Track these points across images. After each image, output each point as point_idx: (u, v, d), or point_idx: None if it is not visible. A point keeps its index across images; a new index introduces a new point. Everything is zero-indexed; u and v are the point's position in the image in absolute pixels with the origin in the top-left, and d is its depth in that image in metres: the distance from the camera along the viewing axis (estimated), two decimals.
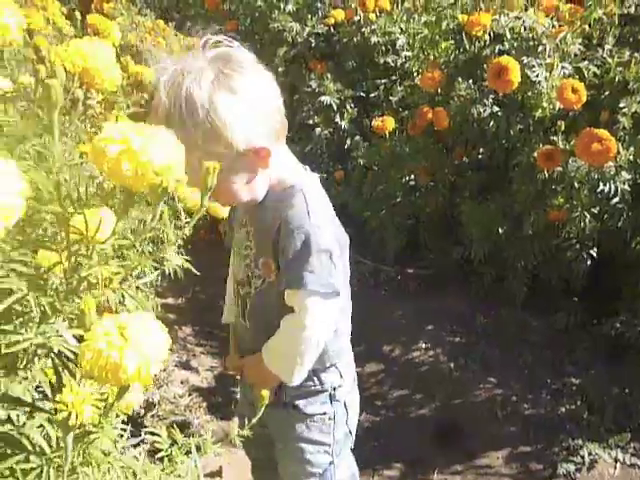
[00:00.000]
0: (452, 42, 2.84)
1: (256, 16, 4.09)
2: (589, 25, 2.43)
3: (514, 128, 2.49)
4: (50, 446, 0.72)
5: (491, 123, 2.53)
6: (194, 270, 0.92)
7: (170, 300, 2.75)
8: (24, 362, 0.78)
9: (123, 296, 0.81)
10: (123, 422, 0.84)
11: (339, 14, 3.38)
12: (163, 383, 2.13)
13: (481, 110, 2.54)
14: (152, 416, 1.97)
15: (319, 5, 3.73)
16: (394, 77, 3.21)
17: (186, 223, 0.83)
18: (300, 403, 1.20)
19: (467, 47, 2.73)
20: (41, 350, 0.77)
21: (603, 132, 2.03)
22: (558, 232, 2.35)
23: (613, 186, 2.16)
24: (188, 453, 1.06)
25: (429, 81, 2.67)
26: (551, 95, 2.32)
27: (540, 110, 2.37)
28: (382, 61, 3.21)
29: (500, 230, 2.51)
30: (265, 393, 1.06)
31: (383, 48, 3.22)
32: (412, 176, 2.91)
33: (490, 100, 2.54)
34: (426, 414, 2.18)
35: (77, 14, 1.83)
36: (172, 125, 1.00)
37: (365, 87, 3.28)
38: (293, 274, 1.07)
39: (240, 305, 1.21)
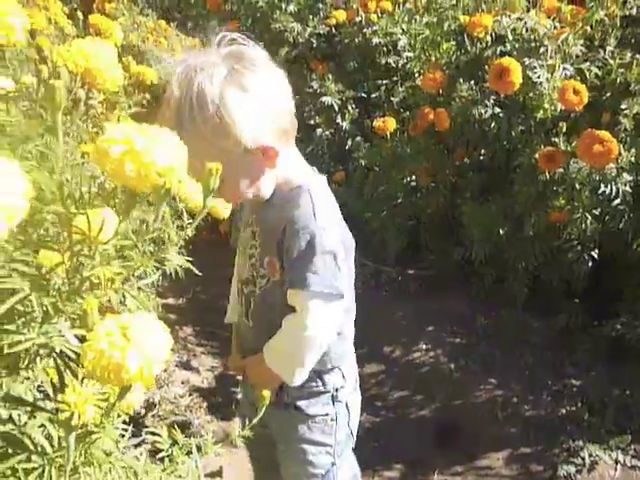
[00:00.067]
0: (454, 43, 2.84)
1: (257, 16, 4.09)
2: (591, 26, 2.42)
3: (515, 129, 2.49)
4: (52, 446, 0.72)
5: (492, 124, 2.53)
6: (195, 270, 0.92)
7: (171, 300, 2.75)
8: (26, 362, 0.78)
9: (124, 296, 0.81)
10: (124, 422, 0.84)
11: (340, 15, 3.38)
12: (164, 383, 2.14)
13: (482, 111, 2.54)
14: (153, 416, 1.97)
15: (320, 6, 3.74)
16: (395, 78, 3.21)
17: (189, 224, 0.83)
18: (302, 404, 1.20)
19: (468, 48, 2.74)
20: (43, 350, 0.77)
21: (604, 133, 2.03)
22: (559, 233, 2.35)
23: (614, 188, 2.16)
24: (189, 453, 1.06)
25: (430, 82, 2.67)
26: (552, 96, 2.32)
27: (541, 111, 2.37)
28: (383, 62, 3.21)
29: (501, 231, 2.51)
30: (266, 393, 1.06)
31: (384, 49, 3.22)
32: (413, 177, 2.91)
33: (491, 101, 2.54)
34: (426, 415, 2.18)
35: (79, 14, 1.83)
36: (182, 119, 1.01)
37: (366, 88, 3.29)
38: (296, 274, 1.07)
39: (244, 304, 1.21)
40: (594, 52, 2.41)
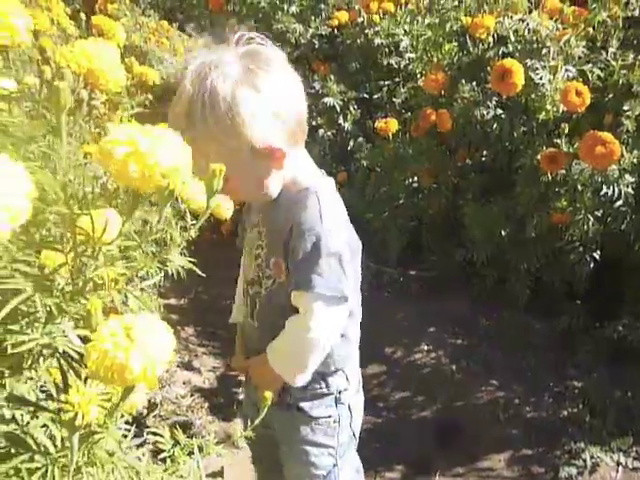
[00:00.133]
0: (456, 44, 2.84)
1: (259, 17, 4.09)
2: (593, 28, 2.42)
3: (517, 130, 2.49)
4: (55, 446, 0.72)
5: (494, 125, 2.53)
6: (198, 271, 0.92)
7: (173, 301, 2.75)
8: (29, 362, 0.78)
9: (126, 297, 0.82)
10: (127, 422, 0.84)
11: (343, 16, 3.38)
12: (165, 383, 2.14)
13: (484, 112, 2.54)
14: (154, 416, 1.97)
15: (322, 7, 3.74)
16: (397, 79, 3.21)
17: (192, 225, 0.84)
18: (305, 405, 1.19)
19: (471, 49, 2.74)
20: (46, 350, 0.77)
21: (607, 135, 2.03)
22: (561, 235, 2.35)
23: (617, 189, 2.16)
24: (190, 454, 1.06)
25: (432, 83, 2.67)
26: (555, 98, 2.32)
27: (544, 113, 2.36)
28: (385, 63, 3.21)
29: (503, 232, 2.51)
30: (268, 394, 1.06)
31: (386, 50, 3.22)
32: (415, 178, 2.92)
33: (493, 102, 2.54)
34: (428, 416, 2.18)
35: (82, 15, 1.83)
36: (193, 115, 1.01)
37: (368, 89, 3.28)
38: (301, 276, 1.07)
39: (249, 305, 1.21)
40: (596, 53, 2.41)
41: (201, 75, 1.02)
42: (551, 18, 2.49)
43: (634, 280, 2.28)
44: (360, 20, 3.31)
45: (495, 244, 2.53)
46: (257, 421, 1.07)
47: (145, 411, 1.91)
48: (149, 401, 1.96)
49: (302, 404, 1.20)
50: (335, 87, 3.17)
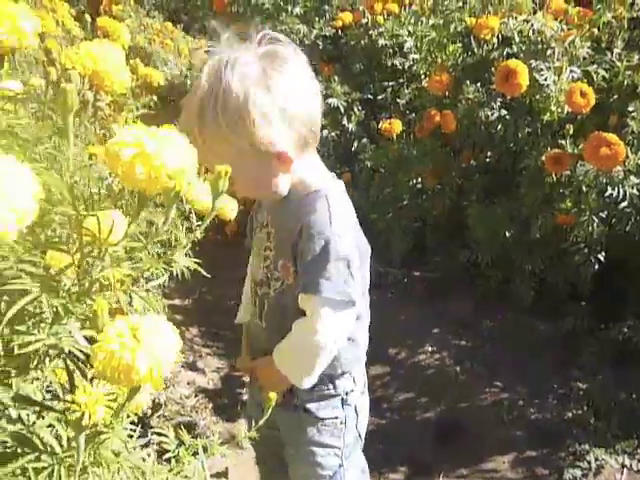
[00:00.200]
0: (460, 45, 2.84)
1: (263, 18, 4.10)
2: (598, 28, 2.42)
3: (522, 131, 2.48)
4: (61, 446, 0.72)
5: (499, 126, 2.53)
6: (204, 272, 0.92)
7: (177, 301, 2.76)
8: (35, 362, 0.79)
9: (131, 297, 0.82)
10: (132, 423, 0.84)
11: (347, 17, 3.38)
12: (170, 384, 2.14)
13: (489, 113, 2.54)
14: (158, 417, 1.97)
15: (326, 8, 3.74)
16: (401, 80, 3.21)
17: (197, 226, 0.84)
18: (312, 407, 1.20)
19: (475, 50, 2.74)
20: (52, 351, 0.77)
21: (612, 136, 2.03)
22: (566, 236, 2.35)
23: (621, 190, 2.15)
24: (195, 454, 1.06)
25: (437, 84, 2.67)
26: (559, 99, 2.32)
27: (548, 114, 2.36)
28: (389, 64, 3.21)
29: (507, 234, 2.51)
30: (272, 395, 1.06)
31: (391, 51, 3.22)
32: (419, 179, 2.91)
33: (498, 103, 2.54)
34: (432, 417, 2.18)
35: (87, 17, 1.84)
36: (205, 111, 1.01)
37: (372, 90, 3.29)
38: (309, 279, 1.06)
39: (258, 305, 1.21)
40: (601, 54, 2.41)
41: (217, 72, 1.01)
42: (556, 19, 2.49)
43: (639, 281, 2.27)
44: (364, 21, 3.32)
45: (499, 245, 2.53)
46: (261, 422, 1.08)
47: (149, 411, 1.91)
48: (153, 401, 1.96)
49: (309, 405, 1.20)
50: (339, 88, 3.17)
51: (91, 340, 0.72)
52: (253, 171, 1.06)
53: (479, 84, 2.61)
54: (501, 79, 2.27)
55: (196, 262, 0.98)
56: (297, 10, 3.56)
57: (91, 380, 0.69)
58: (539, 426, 2.08)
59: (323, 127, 3.26)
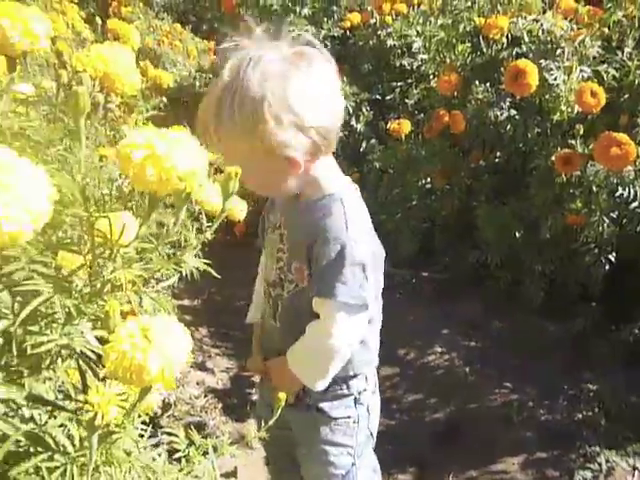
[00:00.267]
0: (469, 45, 2.83)
1: (272, 20, 4.11)
2: (608, 28, 2.41)
3: (531, 132, 2.47)
4: (73, 445, 0.73)
5: (508, 126, 2.52)
6: (214, 273, 0.93)
7: (186, 302, 2.77)
8: (48, 362, 0.79)
9: (141, 298, 0.83)
10: (143, 423, 0.85)
11: (355, 17, 3.39)
12: (179, 384, 2.15)
13: (498, 113, 2.53)
14: (168, 416, 1.98)
15: (335, 8, 3.75)
16: (410, 80, 3.20)
17: (207, 227, 0.84)
18: (325, 406, 1.20)
19: (484, 50, 2.73)
20: (64, 351, 0.78)
21: (622, 136, 2.01)
22: (576, 236, 2.34)
23: (632, 190, 2.14)
24: (205, 454, 1.07)
25: (445, 84, 2.67)
26: (569, 98, 2.31)
27: (558, 113, 2.35)
28: (398, 64, 3.21)
29: (517, 234, 2.50)
30: (282, 395, 1.06)
31: (399, 51, 3.22)
32: (428, 179, 2.91)
33: (507, 103, 2.53)
34: (441, 418, 2.17)
35: (97, 19, 1.85)
36: (222, 105, 1.01)
37: (381, 90, 3.28)
38: (324, 283, 1.07)
39: (272, 306, 1.21)
40: (612, 54, 2.39)
41: (239, 68, 1.01)
42: (565, 18, 2.48)
43: None
44: (372, 21, 3.32)
45: (509, 246, 2.52)
46: (271, 422, 1.08)
47: (159, 411, 1.92)
48: (163, 401, 1.97)
49: (322, 405, 1.20)
50: (348, 88, 3.17)
51: (102, 340, 0.72)
52: (263, 171, 1.06)
53: (488, 84, 2.60)
54: (510, 79, 2.26)
55: (206, 263, 0.99)
56: (305, 11, 3.57)
57: (103, 380, 0.70)
58: (549, 427, 2.07)
59: None
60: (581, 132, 2.24)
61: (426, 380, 2.34)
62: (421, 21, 3.15)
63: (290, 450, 1.29)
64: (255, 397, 2.18)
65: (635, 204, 2.15)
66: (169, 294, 1.87)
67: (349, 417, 1.22)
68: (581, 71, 2.32)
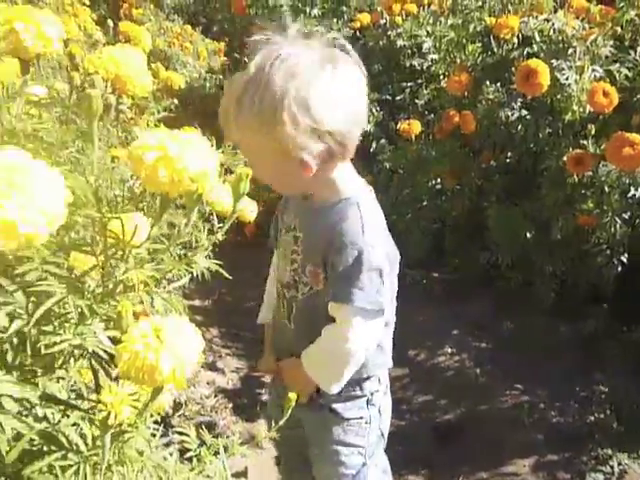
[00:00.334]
0: (479, 45, 2.82)
1: (282, 20, 4.12)
2: (621, 27, 2.39)
3: (543, 132, 2.46)
4: (86, 444, 0.74)
5: (519, 127, 2.51)
6: (225, 274, 0.93)
7: (197, 302, 2.78)
8: (61, 362, 0.80)
9: (153, 298, 0.83)
10: (155, 422, 0.86)
11: (365, 18, 3.38)
12: (190, 384, 2.16)
13: (509, 113, 2.52)
14: (179, 416, 1.99)
15: (344, 9, 3.75)
16: (420, 80, 3.20)
17: (219, 228, 0.85)
18: (339, 407, 1.20)
19: (495, 50, 2.72)
20: (77, 350, 0.79)
21: (635, 136, 2.00)
22: (587, 237, 2.32)
23: None
24: (216, 454, 1.07)
25: (456, 84, 2.66)
26: (581, 98, 2.29)
27: (570, 114, 2.34)
28: (408, 64, 3.20)
29: (528, 235, 2.49)
30: (292, 395, 1.06)
31: (409, 51, 3.22)
32: (438, 180, 2.90)
33: (518, 103, 2.52)
34: (451, 419, 2.17)
35: (109, 22, 1.87)
36: (245, 95, 1.01)
37: (391, 90, 3.28)
38: (341, 288, 1.06)
39: (286, 308, 1.21)
40: (624, 53, 2.38)
41: (267, 63, 1.00)
42: (577, 17, 2.46)
43: None
44: (382, 22, 3.31)
45: (519, 246, 2.51)
46: (281, 422, 1.08)
47: (170, 411, 1.93)
48: (174, 401, 1.98)
49: (335, 405, 1.20)
50: None
51: (115, 340, 0.73)
52: (276, 168, 1.06)
53: (499, 84, 2.59)
54: (522, 79, 2.25)
55: (217, 264, 0.99)
56: (315, 12, 3.58)
57: (115, 380, 0.70)
58: (560, 429, 2.05)
59: None
60: (593, 132, 2.23)
61: (436, 381, 2.33)
62: (431, 21, 3.14)
63: (302, 450, 1.30)
64: (265, 397, 2.18)
65: None
66: (180, 294, 1.88)
67: (361, 418, 1.22)
68: (593, 71, 2.30)
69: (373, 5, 3.70)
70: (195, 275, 1.23)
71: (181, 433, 1.08)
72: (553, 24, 2.46)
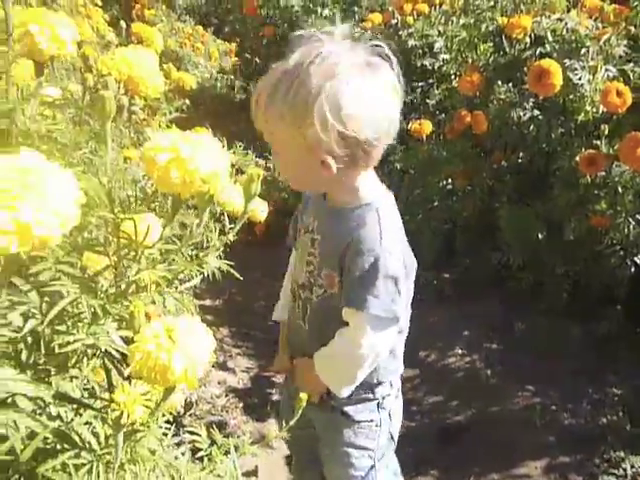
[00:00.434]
0: (491, 45, 2.81)
1: (293, 21, 4.13)
2: (634, 26, 2.37)
3: (555, 132, 2.45)
4: (98, 443, 0.74)
5: (531, 127, 2.50)
6: (236, 274, 0.93)
7: (208, 302, 2.79)
8: (74, 361, 0.81)
9: (164, 298, 0.84)
10: (167, 422, 0.86)
11: (376, 18, 3.38)
12: (201, 383, 2.17)
13: (521, 114, 2.51)
14: (190, 415, 2.00)
15: (356, 9, 3.75)
16: (431, 80, 3.19)
17: (230, 228, 0.85)
18: (350, 410, 1.21)
19: (507, 50, 2.70)
20: (90, 350, 0.80)
21: None
22: (600, 238, 2.30)
23: None
24: (227, 453, 1.08)
25: (467, 84, 2.65)
26: (594, 98, 2.27)
27: (583, 114, 2.32)
28: (419, 64, 3.19)
29: (539, 235, 2.47)
30: (304, 396, 1.07)
31: (420, 51, 3.21)
32: (449, 180, 2.89)
33: (530, 103, 2.51)
34: (462, 421, 2.16)
35: (122, 23, 1.88)
36: (279, 86, 1.00)
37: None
38: (356, 294, 1.06)
39: (301, 308, 1.21)
40: (638, 52, 2.36)
41: (307, 58, 0.99)
42: (590, 17, 2.45)
43: None
44: (394, 22, 3.31)
45: (531, 247, 2.49)
46: (292, 422, 1.09)
47: (182, 410, 1.94)
48: (185, 400, 1.99)
49: (346, 408, 1.21)
50: None
51: (127, 340, 0.73)
52: (296, 161, 1.06)
53: (511, 84, 2.58)
54: (534, 79, 2.24)
55: (228, 264, 0.99)
56: (326, 12, 3.58)
57: (127, 379, 0.71)
58: (572, 431, 2.04)
59: None
60: (606, 132, 2.21)
61: (447, 382, 2.32)
62: (443, 21, 3.13)
63: (313, 449, 1.31)
64: (276, 397, 2.19)
65: None
66: (191, 294, 1.89)
67: (372, 421, 1.22)
68: (606, 70, 2.28)
69: (384, 5, 3.70)
70: (206, 275, 1.23)
71: (192, 432, 1.09)
72: (566, 23, 2.44)
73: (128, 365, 0.66)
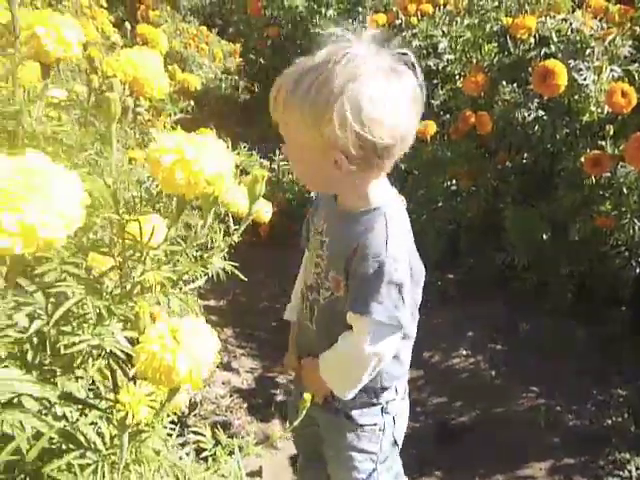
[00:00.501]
0: (496, 45, 2.81)
1: (297, 21, 4.13)
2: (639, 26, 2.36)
3: (560, 132, 2.44)
4: (103, 443, 0.75)
5: (536, 127, 2.49)
6: (240, 275, 0.94)
7: (212, 302, 2.79)
8: (79, 362, 0.81)
9: (169, 299, 0.84)
10: (171, 422, 0.86)
11: (380, 18, 3.38)
12: (205, 383, 2.17)
13: (526, 114, 2.50)
14: (194, 416, 2.01)
15: (360, 10, 3.75)
16: (436, 81, 3.18)
17: (235, 230, 0.86)
18: (354, 413, 1.21)
19: (511, 50, 2.70)
20: (95, 350, 0.80)
21: None
22: (605, 239, 2.30)
23: None
24: (231, 453, 1.08)
25: (472, 85, 2.65)
26: (599, 99, 2.27)
27: (587, 114, 2.31)
28: (424, 64, 3.19)
29: (544, 236, 2.47)
30: (307, 396, 1.07)
31: (424, 52, 3.20)
32: (453, 181, 2.89)
33: (535, 104, 2.50)
34: (466, 422, 2.16)
35: (127, 24, 1.89)
36: (302, 81, 1.00)
37: None
38: (360, 300, 1.06)
39: (309, 309, 1.22)
40: None
41: (333, 57, 0.99)
42: (595, 17, 2.44)
43: None
44: (398, 22, 3.31)
45: (536, 248, 2.49)
46: (296, 423, 1.09)
47: (186, 410, 1.95)
48: (190, 401, 1.99)
49: (351, 412, 1.21)
50: None
51: (132, 341, 0.74)
52: (309, 158, 1.05)
53: (515, 84, 2.57)
54: (539, 79, 2.24)
55: (232, 265, 1.00)
56: (330, 13, 3.58)
57: (132, 380, 0.71)
58: (577, 432, 2.03)
59: None
60: (611, 133, 2.21)
61: (451, 383, 2.32)
62: (447, 21, 3.13)
63: (317, 447, 1.32)
64: (280, 397, 2.19)
65: None
66: (195, 295, 1.89)
67: (375, 424, 1.22)
68: (611, 71, 2.28)
69: (389, 5, 3.70)
70: (210, 276, 1.24)
71: (197, 433, 1.09)
72: (571, 24, 2.44)
73: (133, 366, 0.66)
